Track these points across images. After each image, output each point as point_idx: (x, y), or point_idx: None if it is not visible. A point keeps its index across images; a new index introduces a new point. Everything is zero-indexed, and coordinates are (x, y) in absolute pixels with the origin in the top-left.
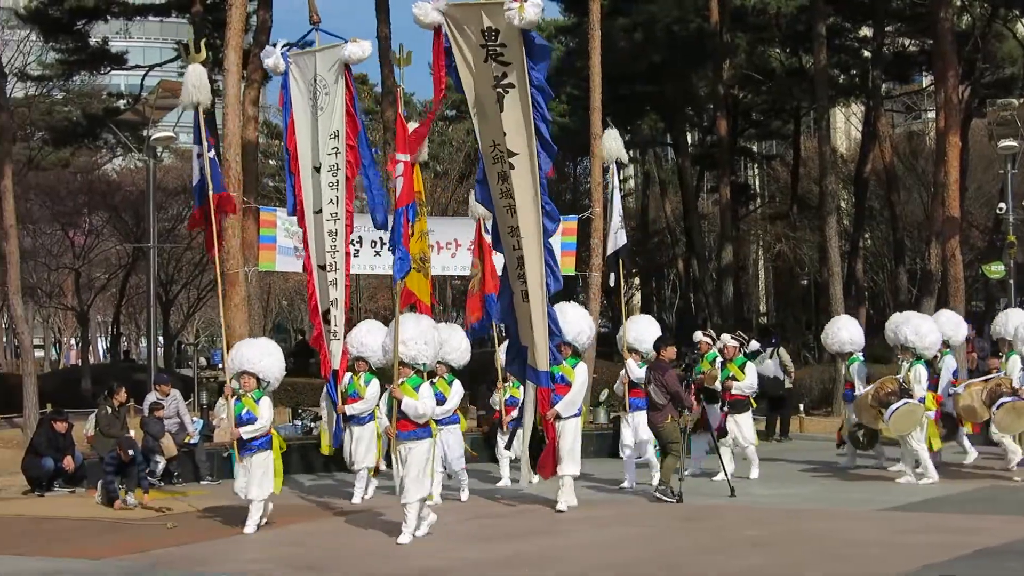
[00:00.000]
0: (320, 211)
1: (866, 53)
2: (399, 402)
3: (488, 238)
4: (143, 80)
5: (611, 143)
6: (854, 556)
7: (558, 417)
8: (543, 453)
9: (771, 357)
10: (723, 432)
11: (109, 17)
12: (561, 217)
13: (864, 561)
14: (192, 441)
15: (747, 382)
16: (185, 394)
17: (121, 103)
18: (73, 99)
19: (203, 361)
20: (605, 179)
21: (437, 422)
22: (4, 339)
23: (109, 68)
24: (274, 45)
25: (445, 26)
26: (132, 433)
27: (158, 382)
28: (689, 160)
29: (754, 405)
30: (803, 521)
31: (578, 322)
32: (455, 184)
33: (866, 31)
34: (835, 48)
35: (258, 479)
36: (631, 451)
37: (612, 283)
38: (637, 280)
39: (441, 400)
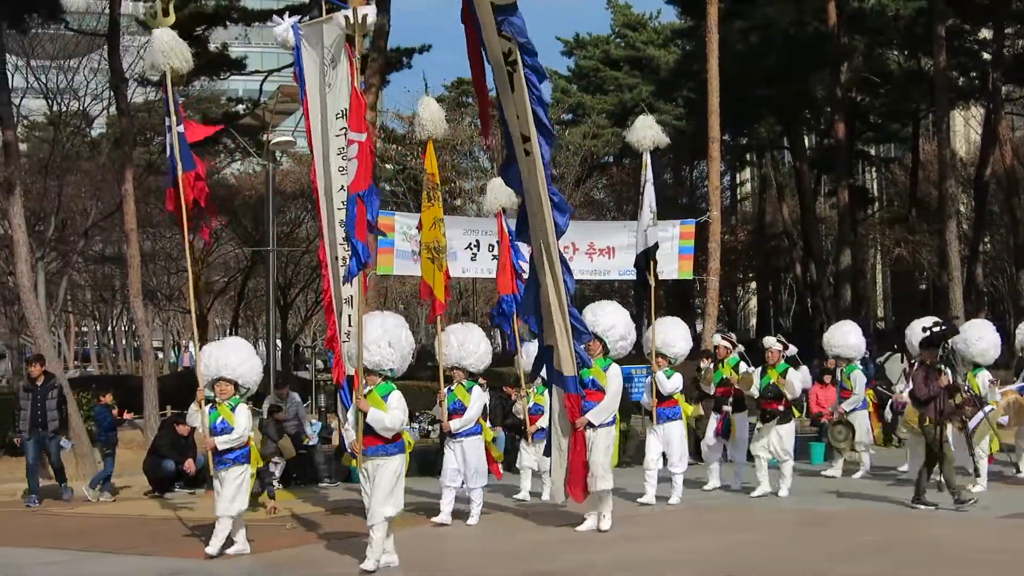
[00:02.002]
0: (331, 198)
1: (986, 55)
2: (364, 415)
3: (508, 230)
4: (262, 85)
5: (646, 130)
6: (985, 563)
7: (589, 426)
8: (571, 470)
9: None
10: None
11: (228, 23)
12: (679, 221)
13: (996, 567)
14: (310, 443)
15: (789, 390)
16: (303, 397)
17: (240, 108)
18: (192, 104)
19: (320, 364)
20: (722, 182)
21: (457, 434)
22: (124, 341)
23: (228, 73)
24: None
25: None
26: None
27: (277, 385)
28: (807, 163)
29: (796, 415)
30: (926, 527)
31: (612, 317)
32: (571, 188)
33: (986, 33)
34: (954, 50)
35: (230, 495)
36: (656, 466)
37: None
38: (753, 284)
39: (460, 409)
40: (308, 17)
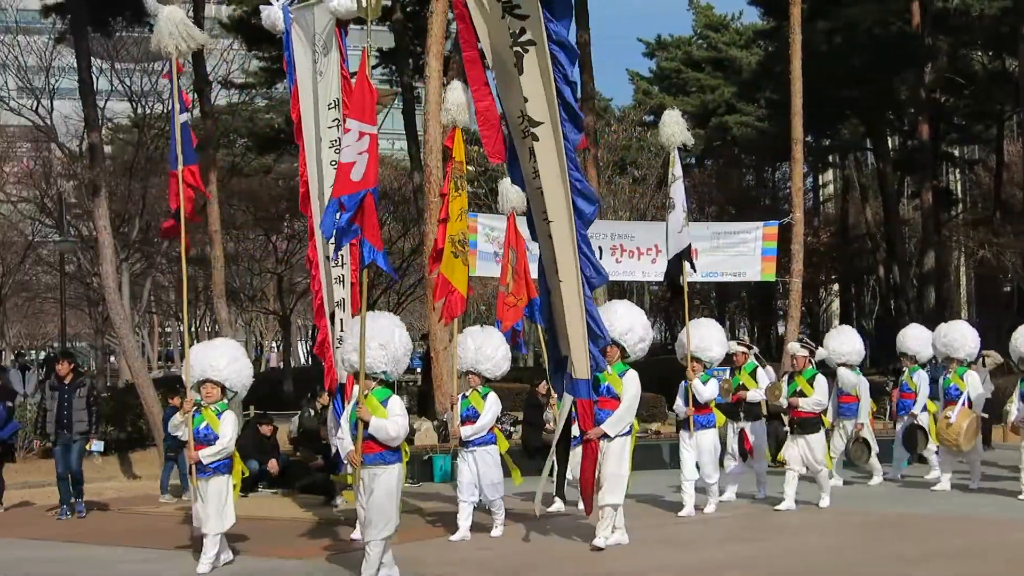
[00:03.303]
0: (322, 193)
1: None
2: (366, 423)
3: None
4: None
5: (673, 126)
6: None
7: (604, 437)
8: (583, 483)
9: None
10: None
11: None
12: (762, 223)
13: None
14: None
15: (816, 398)
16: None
17: None
18: (275, 106)
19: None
20: (805, 183)
21: (470, 443)
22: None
23: None
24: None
25: None
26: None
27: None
28: (890, 165)
29: (826, 424)
30: (1015, 531)
31: (628, 319)
32: (653, 189)
33: None
34: None
35: (215, 510)
36: (693, 476)
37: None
38: (836, 286)
39: (474, 416)
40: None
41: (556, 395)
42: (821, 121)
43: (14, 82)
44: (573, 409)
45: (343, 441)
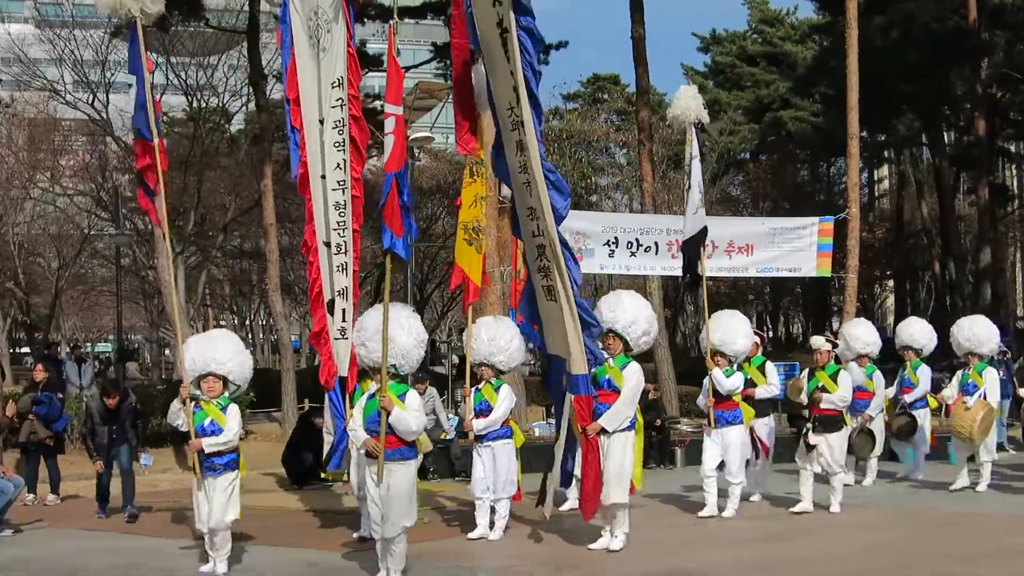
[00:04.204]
0: (325, 176)
1: None
2: (387, 413)
3: None
4: None
5: (689, 101)
6: None
7: (603, 432)
8: (583, 483)
9: None
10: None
11: (366, 20)
12: (818, 218)
13: None
14: (448, 437)
15: (840, 393)
16: (440, 391)
17: (378, 104)
18: None
19: (456, 359)
20: (861, 179)
21: (484, 437)
22: (262, 335)
23: (367, 70)
24: None
25: None
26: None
27: (415, 380)
28: (946, 160)
29: (848, 423)
30: None
31: (633, 310)
32: (708, 184)
33: None
34: None
35: (221, 505)
36: (714, 473)
37: (688, 278)
38: (891, 282)
39: (487, 410)
40: None
41: (548, 393)
42: (877, 116)
43: (70, 76)
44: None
45: (355, 432)
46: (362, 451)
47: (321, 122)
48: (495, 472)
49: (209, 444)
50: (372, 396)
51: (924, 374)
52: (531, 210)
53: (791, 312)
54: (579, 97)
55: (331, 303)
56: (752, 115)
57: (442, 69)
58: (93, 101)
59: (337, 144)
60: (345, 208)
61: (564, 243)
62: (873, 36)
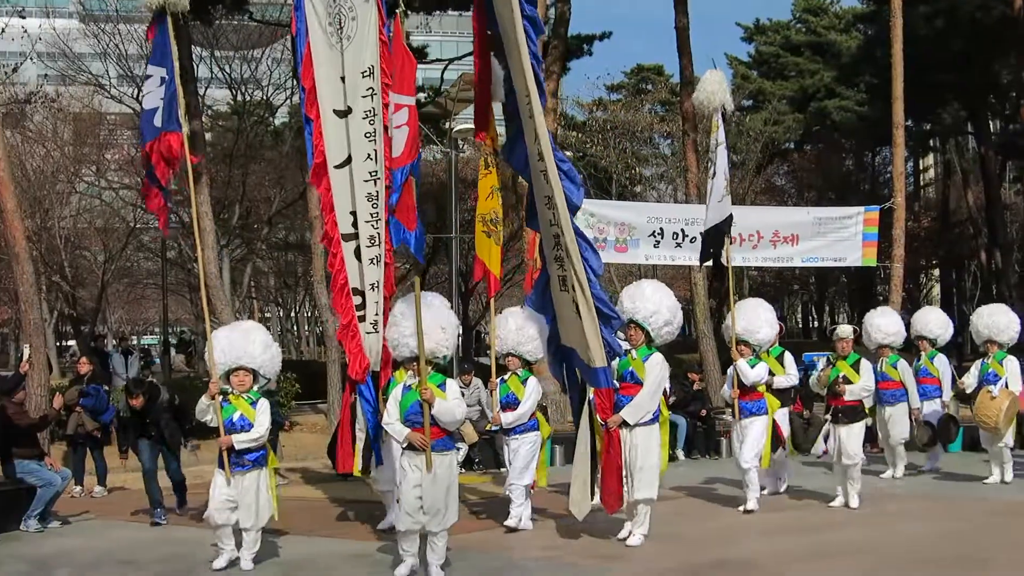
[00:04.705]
0: (341, 165)
1: None
2: (430, 405)
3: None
4: (443, 73)
5: (713, 85)
6: None
7: (625, 426)
8: (604, 477)
9: None
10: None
11: (409, 12)
12: (863, 208)
13: None
14: (494, 428)
15: (863, 383)
16: (485, 382)
17: (422, 96)
18: None
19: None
20: (906, 168)
21: (512, 430)
22: (307, 327)
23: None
24: None
25: None
26: None
27: (461, 371)
28: (992, 149)
29: (868, 413)
30: None
31: (654, 301)
32: (752, 175)
33: None
34: None
35: (252, 504)
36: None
37: (708, 264)
38: (937, 272)
39: (513, 403)
40: None
41: (558, 383)
42: (922, 105)
43: (115, 70)
44: (573, 405)
45: (393, 426)
46: (403, 444)
47: (339, 113)
48: (516, 458)
49: (240, 440)
50: (408, 388)
51: (942, 364)
52: (548, 199)
53: (836, 302)
54: (623, 88)
55: (358, 294)
56: (796, 105)
57: None
58: (138, 95)
59: (368, 134)
60: (378, 199)
61: (580, 233)
62: (918, 25)
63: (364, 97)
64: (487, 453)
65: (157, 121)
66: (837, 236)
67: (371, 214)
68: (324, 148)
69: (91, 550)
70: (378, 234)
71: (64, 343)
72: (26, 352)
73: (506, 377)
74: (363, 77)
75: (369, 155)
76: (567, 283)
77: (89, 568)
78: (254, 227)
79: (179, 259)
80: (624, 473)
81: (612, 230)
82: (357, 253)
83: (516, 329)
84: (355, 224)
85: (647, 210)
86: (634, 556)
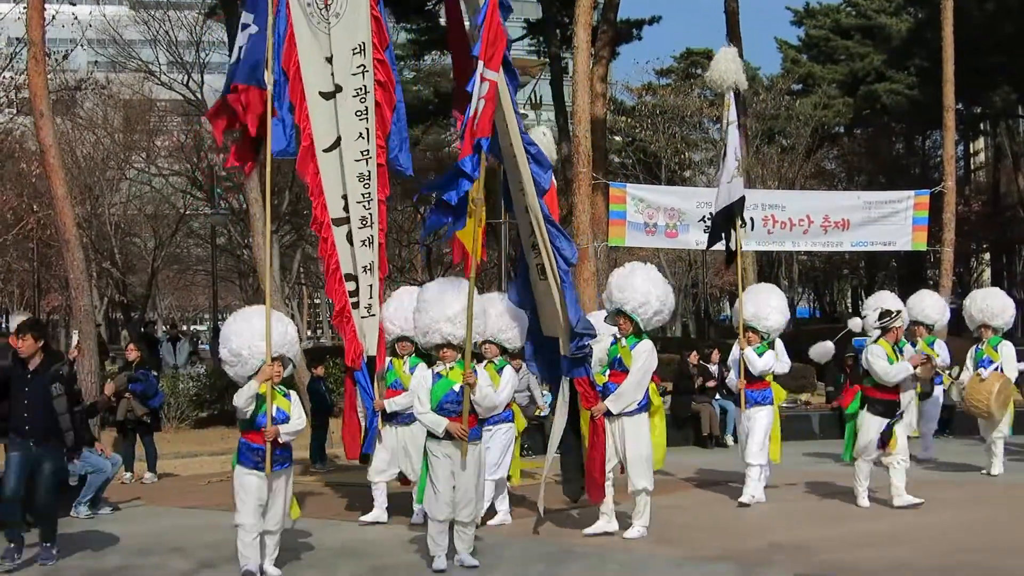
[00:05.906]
0: (331, 148)
1: None
2: (472, 387)
3: None
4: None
5: (727, 63)
6: None
7: (608, 415)
8: (589, 467)
9: None
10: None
11: None
12: (913, 192)
13: None
14: (542, 414)
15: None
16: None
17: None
18: (424, 78)
19: None
20: (956, 151)
21: (485, 421)
22: None
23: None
24: None
25: None
26: None
27: (510, 357)
28: None
29: None
30: None
31: (643, 291)
32: (802, 159)
33: None
34: None
35: (281, 506)
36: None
37: (718, 247)
38: (987, 256)
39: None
40: None
41: (536, 377)
42: (972, 88)
43: (165, 57)
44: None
45: (426, 416)
46: (441, 435)
47: (325, 95)
48: (488, 452)
49: (286, 431)
50: (439, 377)
51: (941, 349)
52: (521, 184)
53: (887, 286)
54: (672, 72)
55: (351, 279)
56: (846, 88)
57: (535, 45)
58: (188, 81)
59: (359, 112)
60: (370, 179)
61: (549, 219)
62: (969, 8)
63: (355, 75)
64: (536, 440)
65: (243, 72)
66: (887, 220)
67: (363, 194)
68: (311, 132)
69: (140, 536)
70: (370, 215)
71: (115, 330)
72: (75, 338)
73: (483, 365)
74: (354, 54)
75: (360, 134)
76: (543, 271)
77: (138, 554)
78: (304, 213)
79: (228, 245)
80: (613, 464)
81: (662, 216)
82: (349, 237)
83: (497, 315)
84: (346, 208)
85: (696, 195)
86: (684, 541)
